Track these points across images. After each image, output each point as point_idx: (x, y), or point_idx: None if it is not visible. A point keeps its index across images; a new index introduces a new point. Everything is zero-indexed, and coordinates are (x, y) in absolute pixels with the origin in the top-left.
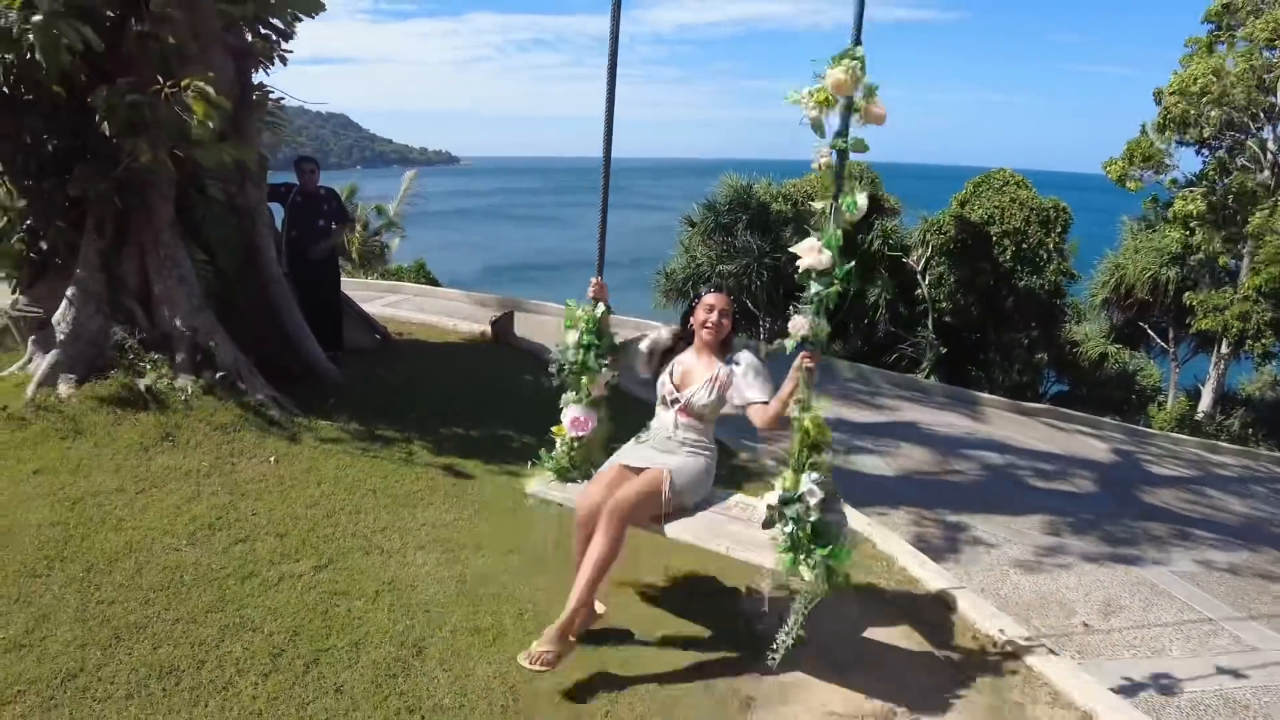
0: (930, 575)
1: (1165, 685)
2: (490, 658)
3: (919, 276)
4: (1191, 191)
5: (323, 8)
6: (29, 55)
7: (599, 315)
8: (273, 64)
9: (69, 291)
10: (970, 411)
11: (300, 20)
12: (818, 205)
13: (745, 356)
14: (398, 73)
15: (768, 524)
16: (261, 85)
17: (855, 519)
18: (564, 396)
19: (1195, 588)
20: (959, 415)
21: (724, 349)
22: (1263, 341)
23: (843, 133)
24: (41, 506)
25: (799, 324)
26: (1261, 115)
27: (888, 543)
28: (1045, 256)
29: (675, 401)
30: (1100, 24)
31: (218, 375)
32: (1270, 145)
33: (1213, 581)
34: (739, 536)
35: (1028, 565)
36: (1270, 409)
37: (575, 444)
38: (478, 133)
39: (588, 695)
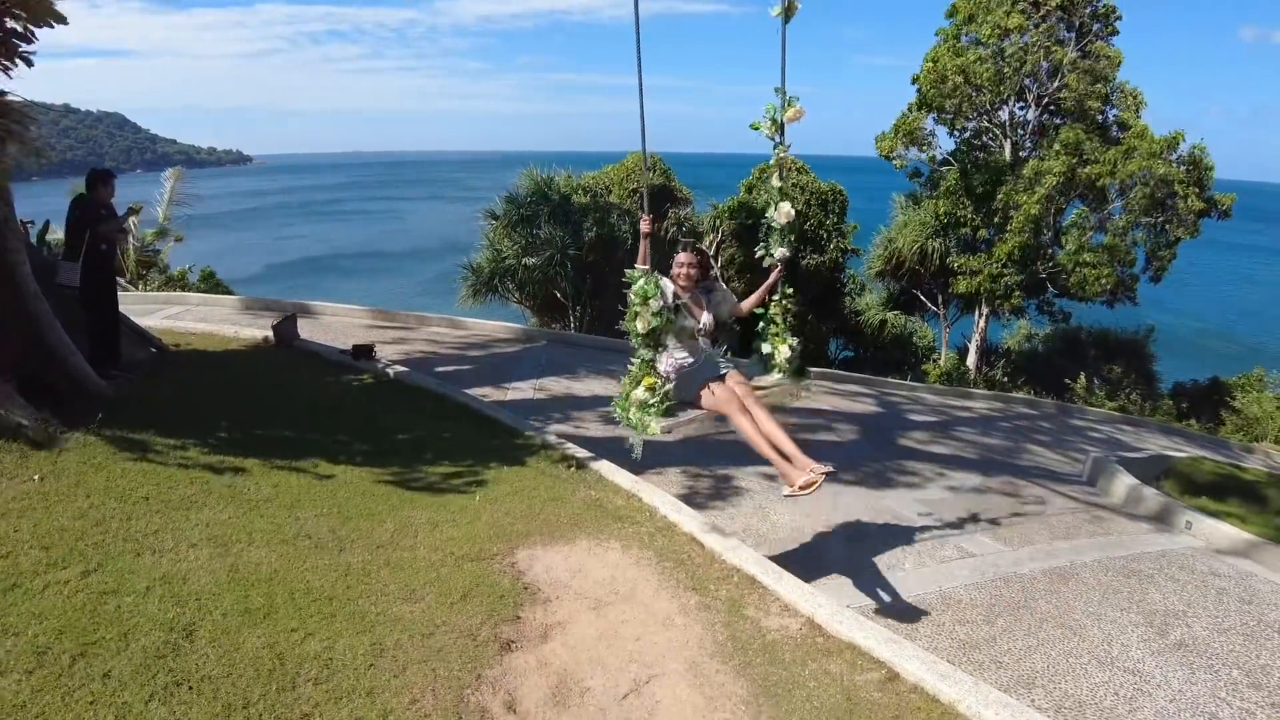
0: (686, 520)
1: (895, 593)
2: (260, 632)
3: (712, 260)
4: (949, 167)
5: (63, 19)
6: None
7: (661, 284)
8: (14, 65)
9: None
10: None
11: (36, 30)
12: (775, 183)
13: (718, 286)
14: (180, 67)
15: (781, 370)
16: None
17: (627, 480)
18: (642, 354)
19: (932, 511)
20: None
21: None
22: (1011, 301)
23: (781, 143)
24: None
25: (784, 251)
26: (999, 100)
27: (652, 497)
28: (826, 236)
29: (701, 331)
30: (880, 19)
31: None
32: (1008, 126)
33: (947, 505)
34: None
35: (785, 508)
36: (1026, 359)
37: (665, 385)
38: (271, 130)
39: (353, 654)
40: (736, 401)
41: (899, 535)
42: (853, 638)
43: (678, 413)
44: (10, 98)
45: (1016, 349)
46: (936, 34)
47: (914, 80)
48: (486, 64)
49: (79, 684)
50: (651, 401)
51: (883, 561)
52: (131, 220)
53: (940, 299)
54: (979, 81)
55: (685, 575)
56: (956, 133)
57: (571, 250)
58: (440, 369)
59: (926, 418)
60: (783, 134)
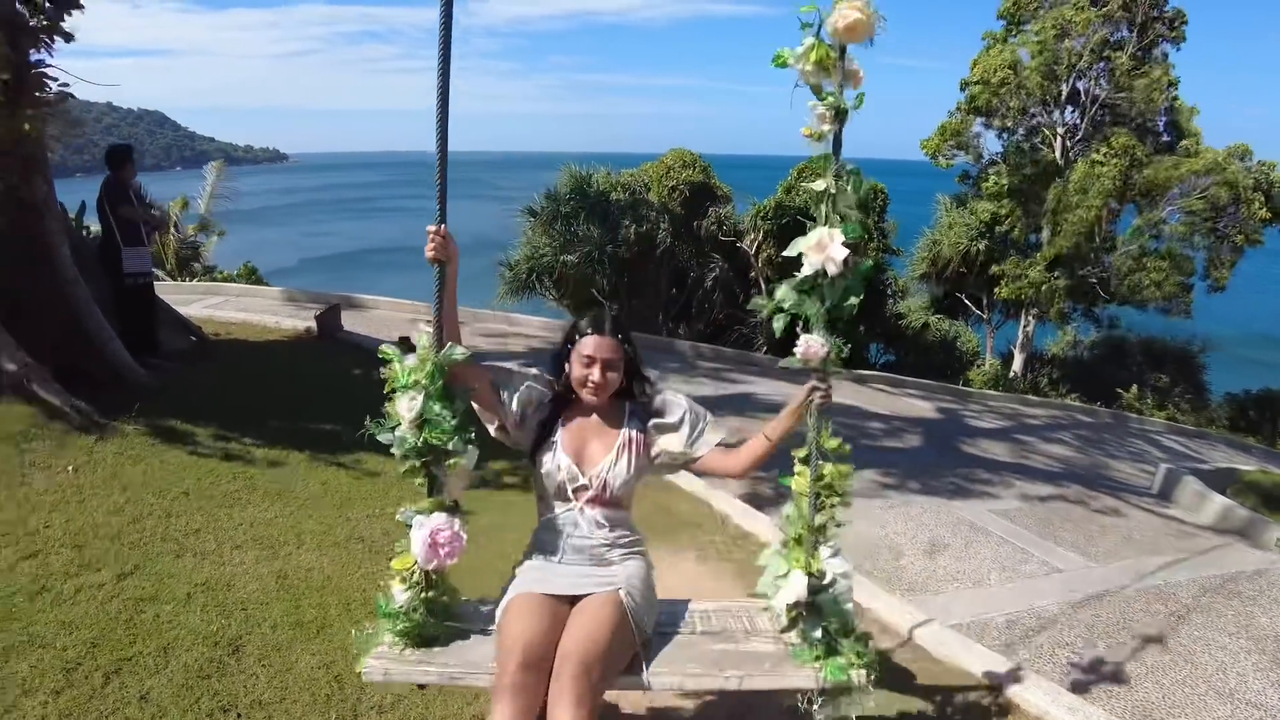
0: (763, 529)
1: (986, 610)
2: (314, 649)
3: (753, 259)
4: (996, 168)
5: None
6: None
7: (450, 359)
8: (53, 41)
9: None
10: (804, 380)
11: None
12: (818, 186)
13: (672, 399)
14: (218, 66)
15: (789, 628)
16: (39, 64)
17: (694, 483)
18: (405, 510)
19: (1009, 522)
20: (794, 385)
21: (623, 394)
22: (1058, 307)
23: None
24: None
25: (814, 348)
26: (1051, 101)
27: (723, 503)
28: (868, 236)
29: (583, 489)
30: (912, 19)
31: (3, 381)
32: (1059, 128)
33: (1024, 515)
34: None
35: (858, 516)
36: (1072, 365)
37: (434, 580)
38: (307, 128)
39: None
40: (535, 662)
41: (978, 547)
42: (961, 662)
43: (442, 642)
44: (48, 72)
45: (1061, 355)
46: (984, 37)
47: (962, 86)
48: (517, 64)
49: (112, 708)
50: (397, 609)
51: (966, 575)
52: (175, 211)
53: (985, 303)
54: (1029, 80)
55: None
56: (1005, 134)
57: (609, 248)
58: (488, 364)
59: (986, 424)
60: (839, 66)
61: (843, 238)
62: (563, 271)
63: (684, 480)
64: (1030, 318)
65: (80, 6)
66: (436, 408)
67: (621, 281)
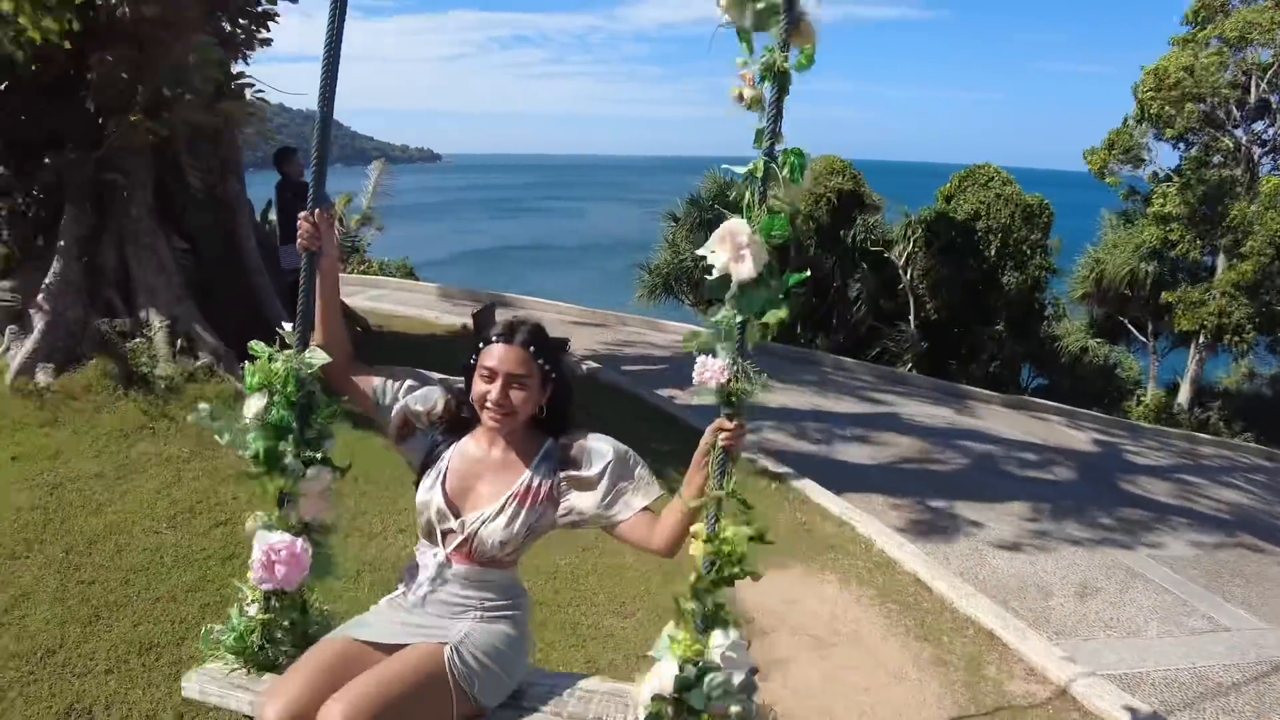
0: (908, 557)
1: (1140, 662)
2: None
3: (901, 271)
4: (1168, 187)
5: None
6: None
7: (309, 366)
8: (253, 50)
9: (46, 280)
10: (955, 403)
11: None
12: (742, 169)
13: (595, 446)
14: (378, 70)
15: None
16: (241, 74)
17: (836, 504)
18: (251, 519)
19: (1170, 570)
20: (943, 407)
21: (548, 429)
22: (1244, 338)
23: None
24: (20, 491)
25: (709, 372)
26: (1235, 111)
27: (867, 526)
28: (1029, 252)
29: (449, 534)
30: (1069, 24)
31: (199, 363)
32: (1244, 141)
33: (1188, 564)
34: None
35: (1006, 550)
36: (1246, 401)
37: (275, 601)
38: (460, 130)
39: (568, 671)
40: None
41: (1135, 594)
42: (1117, 717)
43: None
44: (247, 82)
45: (1235, 390)
46: (1171, 41)
47: (1134, 92)
48: (666, 69)
49: None
50: (233, 624)
51: (1120, 623)
52: (339, 207)
53: (1150, 328)
54: (1209, 86)
55: (913, 622)
56: (1181, 144)
57: None
58: (631, 368)
59: (1149, 460)
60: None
61: (748, 229)
62: (701, 275)
63: (825, 500)
64: (1201, 347)
65: (276, 18)
66: (280, 414)
67: None
